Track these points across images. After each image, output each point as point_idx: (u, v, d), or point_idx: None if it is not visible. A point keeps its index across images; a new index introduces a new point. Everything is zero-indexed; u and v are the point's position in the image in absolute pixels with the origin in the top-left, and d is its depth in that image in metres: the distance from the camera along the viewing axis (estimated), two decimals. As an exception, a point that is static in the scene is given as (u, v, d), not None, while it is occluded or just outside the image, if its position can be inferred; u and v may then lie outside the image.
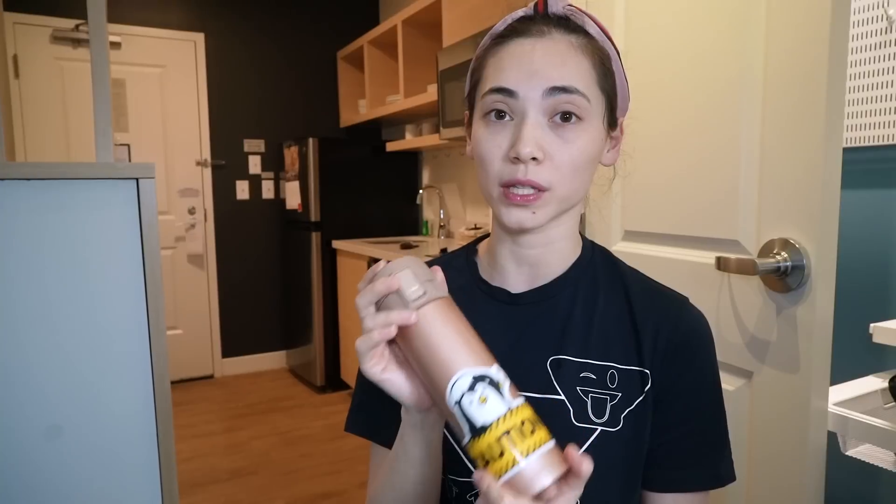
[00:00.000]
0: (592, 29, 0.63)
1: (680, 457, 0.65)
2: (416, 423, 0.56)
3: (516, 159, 0.59)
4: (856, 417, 0.92)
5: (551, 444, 0.48)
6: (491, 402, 0.49)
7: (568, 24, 0.62)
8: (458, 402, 0.49)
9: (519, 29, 0.62)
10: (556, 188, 0.60)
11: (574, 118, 0.60)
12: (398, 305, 0.52)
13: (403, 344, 0.52)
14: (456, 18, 2.74)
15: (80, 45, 3.40)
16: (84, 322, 1.13)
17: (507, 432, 0.48)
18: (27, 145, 3.30)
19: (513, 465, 0.47)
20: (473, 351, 0.51)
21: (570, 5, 0.64)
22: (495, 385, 0.50)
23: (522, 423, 0.48)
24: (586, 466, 0.46)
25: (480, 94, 0.63)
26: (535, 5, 0.64)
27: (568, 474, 0.47)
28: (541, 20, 0.62)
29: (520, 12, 0.65)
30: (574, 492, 0.46)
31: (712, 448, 0.66)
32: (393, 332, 0.51)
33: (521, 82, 0.59)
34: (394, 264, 0.54)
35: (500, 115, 0.61)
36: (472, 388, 0.49)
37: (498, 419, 0.48)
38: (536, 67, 0.59)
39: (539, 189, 0.60)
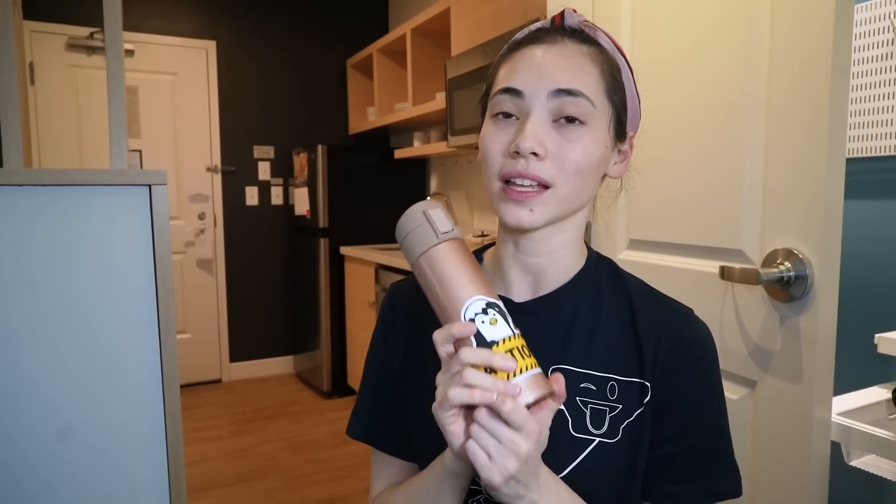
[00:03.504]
0: (605, 42, 0.65)
1: (678, 471, 0.64)
2: (458, 470, 0.57)
3: (517, 153, 0.60)
4: (860, 428, 0.92)
5: (539, 369, 0.55)
6: (499, 325, 0.55)
7: (582, 35, 0.64)
8: (472, 321, 0.54)
9: (534, 37, 0.65)
10: (558, 186, 0.61)
11: (578, 121, 0.61)
12: (426, 235, 0.57)
13: (429, 268, 0.57)
14: (465, 27, 2.77)
15: (95, 52, 3.45)
16: (95, 326, 1.15)
17: (510, 351, 0.53)
18: (41, 150, 3.35)
19: (510, 379, 0.52)
20: (485, 285, 0.57)
21: (585, 21, 0.66)
22: (503, 313, 0.56)
23: (521, 346, 0.54)
24: (563, 392, 0.54)
25: (491, 95, 0.65)
26: (553, 18, 0.66)
27: (550, 396, 0.53)
28: (555, 31, 0.65)
29: (538, 24, 0.67)
30: (550, 411, 0.53)
31: (712, 463, 0.65)
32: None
33: (528, 83, 0.61)
34: (421, 206, 0.59)
35: (507, 114, 0.63)
36: (485, 311, 0.55)
37: (504, 338, 0.54)
38: (544, 70, 0.61)
39: (541, 184, 0.60)
